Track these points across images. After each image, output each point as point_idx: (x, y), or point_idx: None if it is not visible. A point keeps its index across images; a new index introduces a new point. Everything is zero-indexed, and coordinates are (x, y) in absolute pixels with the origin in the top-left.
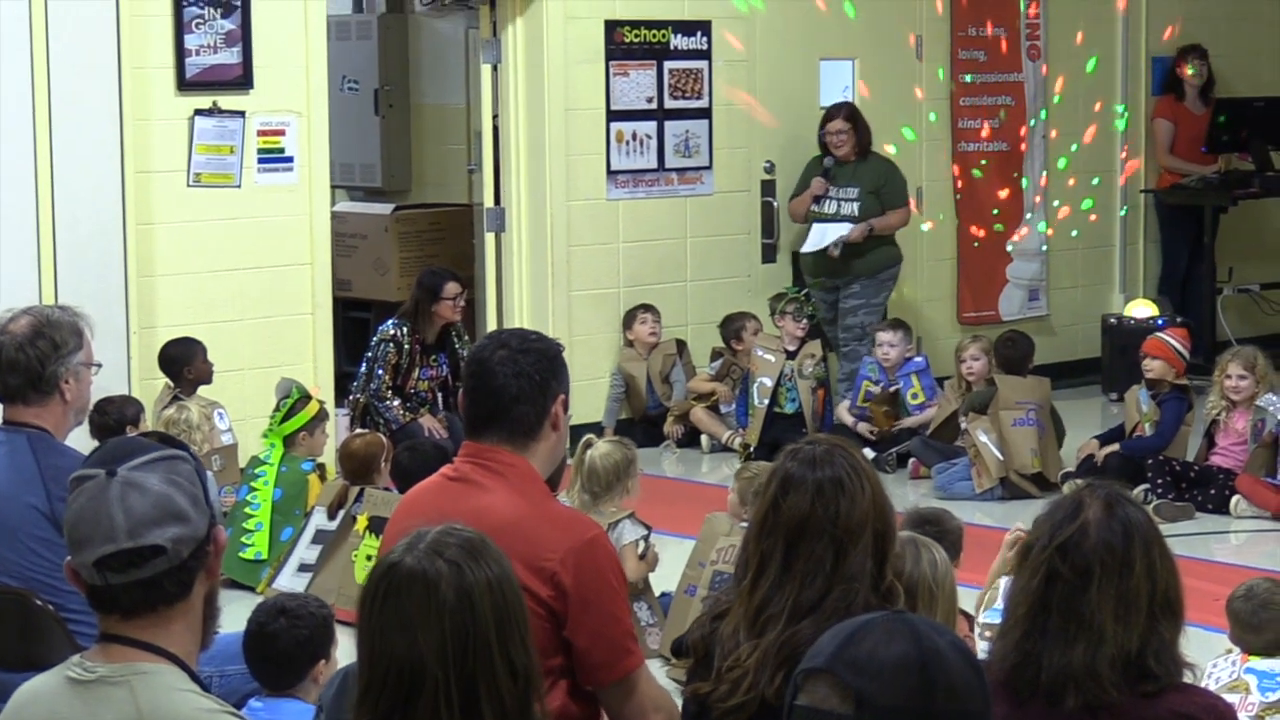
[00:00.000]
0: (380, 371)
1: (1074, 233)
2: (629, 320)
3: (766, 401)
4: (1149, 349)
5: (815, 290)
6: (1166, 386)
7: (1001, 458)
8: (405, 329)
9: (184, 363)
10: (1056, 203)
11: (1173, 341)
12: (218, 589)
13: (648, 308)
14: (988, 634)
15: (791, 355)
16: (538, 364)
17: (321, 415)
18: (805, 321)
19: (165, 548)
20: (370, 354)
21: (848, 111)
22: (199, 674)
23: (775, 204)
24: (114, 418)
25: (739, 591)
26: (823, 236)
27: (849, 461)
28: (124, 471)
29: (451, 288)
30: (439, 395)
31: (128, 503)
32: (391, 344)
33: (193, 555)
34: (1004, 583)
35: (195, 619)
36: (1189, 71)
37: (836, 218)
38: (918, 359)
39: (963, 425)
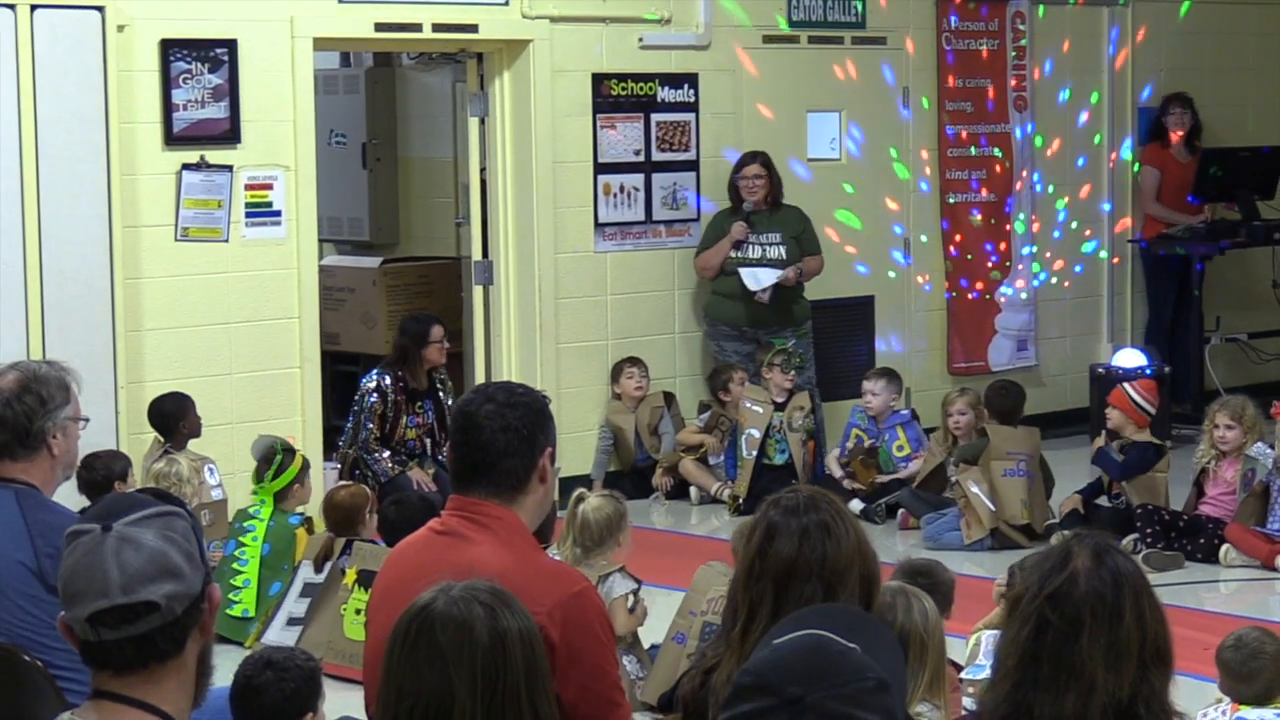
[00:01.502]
0: (368, 424)
1: (1063, 283)
2: (615, 374)
3: (755, 453)
4: (1111, 400)
5: (727, 340)
6: (1128, 439)
7: (993, 508)
8: (388, 378)
9: (179, 417)
10: (1046, 254)
11: (1134, 395)
12: (211, 646)
13: (634, 361)
14: (970, 690)
15: (780, 407)
16: (525, 418)
17: (305, 466)
18: (793, 374)
19: (159, 604)
20: (355, 408)
21: (764, 159)
22: None
23: None
24: (101, 473)
25: (729, 641)
26: (757, 279)
27: (832, 507)
28: (119, 527)
29: (437, 331)
30: (428, 443)
31: (123, 558)
32: (375, 395)
33: (186, 612)
34: (986, 637)
35: (188, 676)
36: (1175, 122)
37: (762, 262)
38: (903, 411)
39: (952, 476)
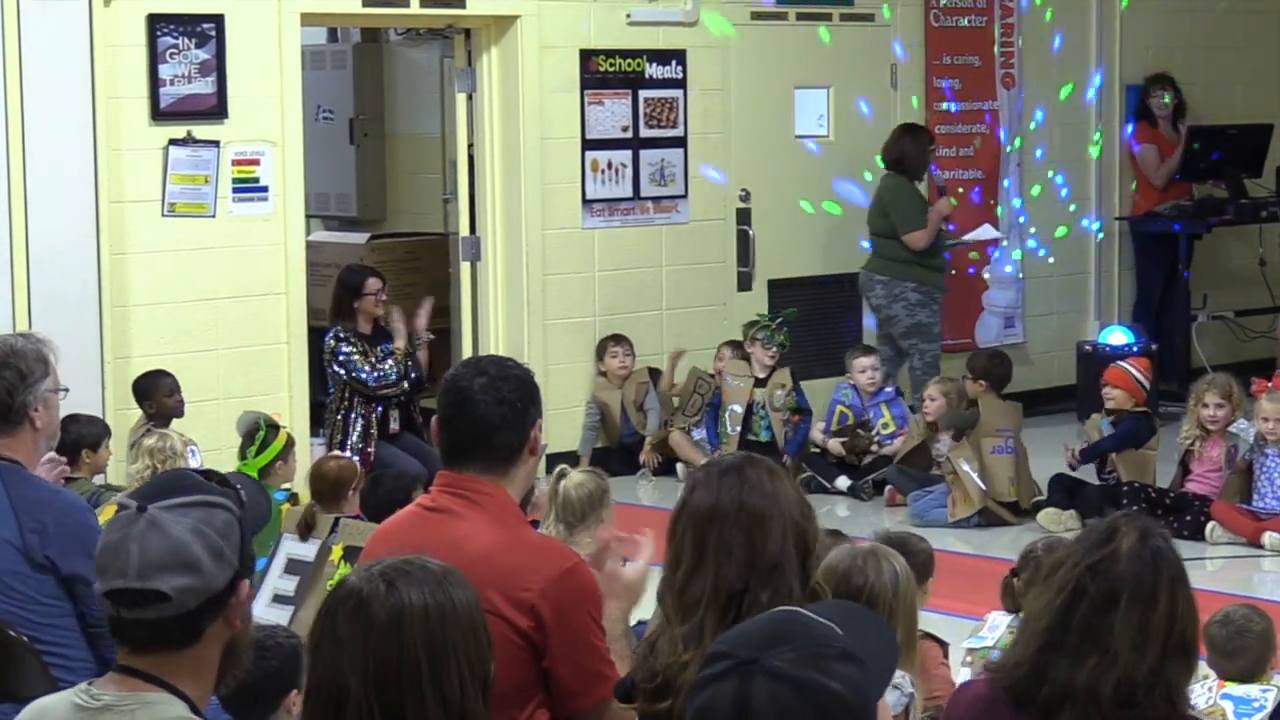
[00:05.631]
0: (359, 368)
1: (1050, 260)
2: (600, 352)
3: (739, 429)
4: (1110, 378)
5: (936, 304)
6: (1126, 415)
7: (984, 487)
8: (341, 331)
9: (145, 397)
10: (1032, 230)
11: (1133, 371)
12: (244, 639)
13: (618, 339)
14: (969, 659)
15: (761, 383)
16: (518, 390)
17: (290, 442)
18: (775, 350)
19: (170, 595)
20: (337, 369)
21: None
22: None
23: (751, 232)
24: (71, 436)
25: (660, 594)
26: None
27: (759, 465)
28: (154, 510)
29: (372, 283)
30: (408, 365)
31: (145, 543)
32: (345, 344)
33: (203, 606)
34: (993, 616)
35: (206, 666)
36: (1163, 100)
37: (950, 236)
38: (888, 389)
39: (936, 449)
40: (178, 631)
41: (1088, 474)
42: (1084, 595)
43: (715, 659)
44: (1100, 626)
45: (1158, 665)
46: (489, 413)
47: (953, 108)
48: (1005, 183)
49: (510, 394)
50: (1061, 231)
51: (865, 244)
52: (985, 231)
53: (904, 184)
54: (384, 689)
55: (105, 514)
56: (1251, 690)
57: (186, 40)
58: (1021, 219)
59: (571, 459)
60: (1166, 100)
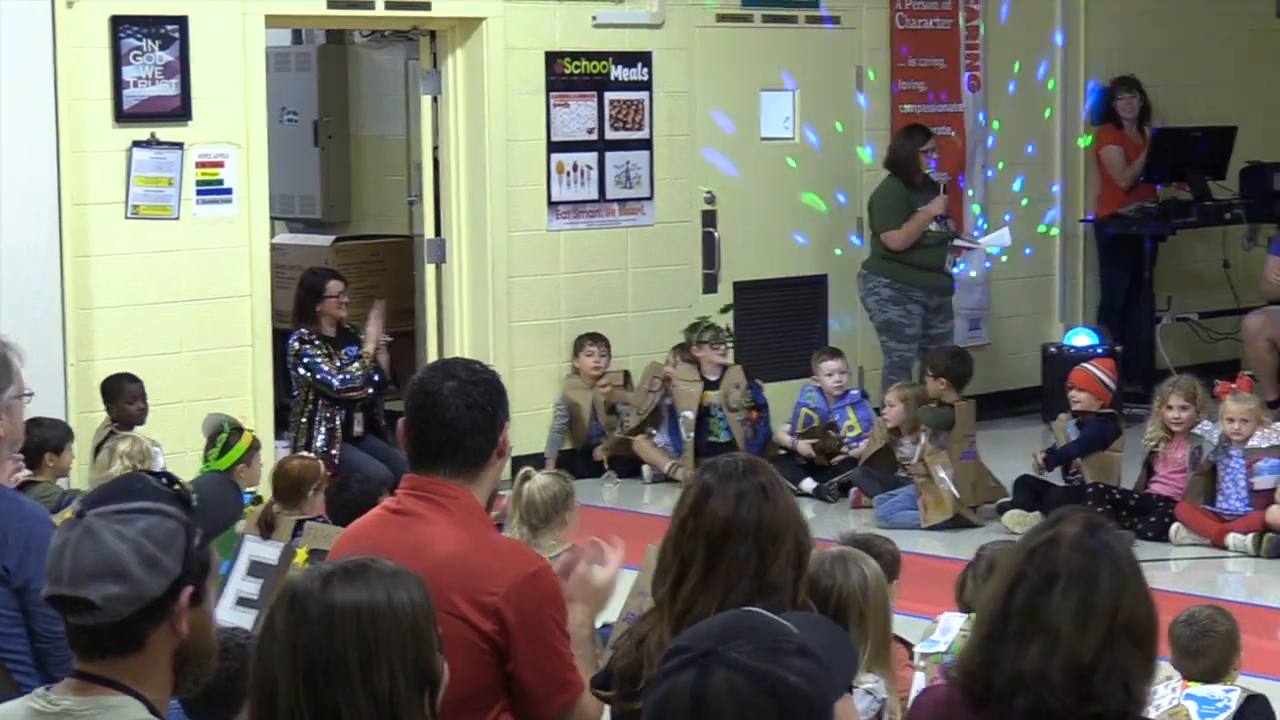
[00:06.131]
0: (324, 371)
1: (1015, 261)
2: (576, 349)
3: (693, 434)
4: (1075, 380)
5: (913, 304)
6: (1092, 416)
7: (959, 495)
8: (305, 332)
9: (108, 400)
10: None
11: (1098, 373)
12: (200, 644)
13: (596, 339)
14: (922, 664)
15: (712, 385)
16: (487, 394)
17: (255, 445)
18: (724, 349)
19: (98, 604)
20: (302, 371)
21: (929, 132)
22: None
23: (716, 234)
24: (34, 440)
25: (659, 598)
26: (1000, 237)
27: (768, 473)
28: (90, 517)
29: (334, 286)
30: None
31: (79, 550)
32: (309, 347)
33: (141, 614)
34: (945, 617)
35: (157, 671)
36: (1125, 103)
37: (945, 236)
38: (854, 391)
39: (900, 453)
40: (115, 639)
41: (1053, 475)
42: (1024, 579)
43: (674, 653)
44: (1040, 608)
45: (1104, 649)
46: (459, 416)
47: (918, 110)
48: (969, 184)
49: (480, 397)
50: (1026, 233)
51: (856, 239)
52: (1001, 237)
53: (892, 184)
54: (312, 685)
55: (64, 518)
56: (1215, 691)
57: (150, 42)
58: (985, 221)
59: (536, 461)
60: (1130, 101)
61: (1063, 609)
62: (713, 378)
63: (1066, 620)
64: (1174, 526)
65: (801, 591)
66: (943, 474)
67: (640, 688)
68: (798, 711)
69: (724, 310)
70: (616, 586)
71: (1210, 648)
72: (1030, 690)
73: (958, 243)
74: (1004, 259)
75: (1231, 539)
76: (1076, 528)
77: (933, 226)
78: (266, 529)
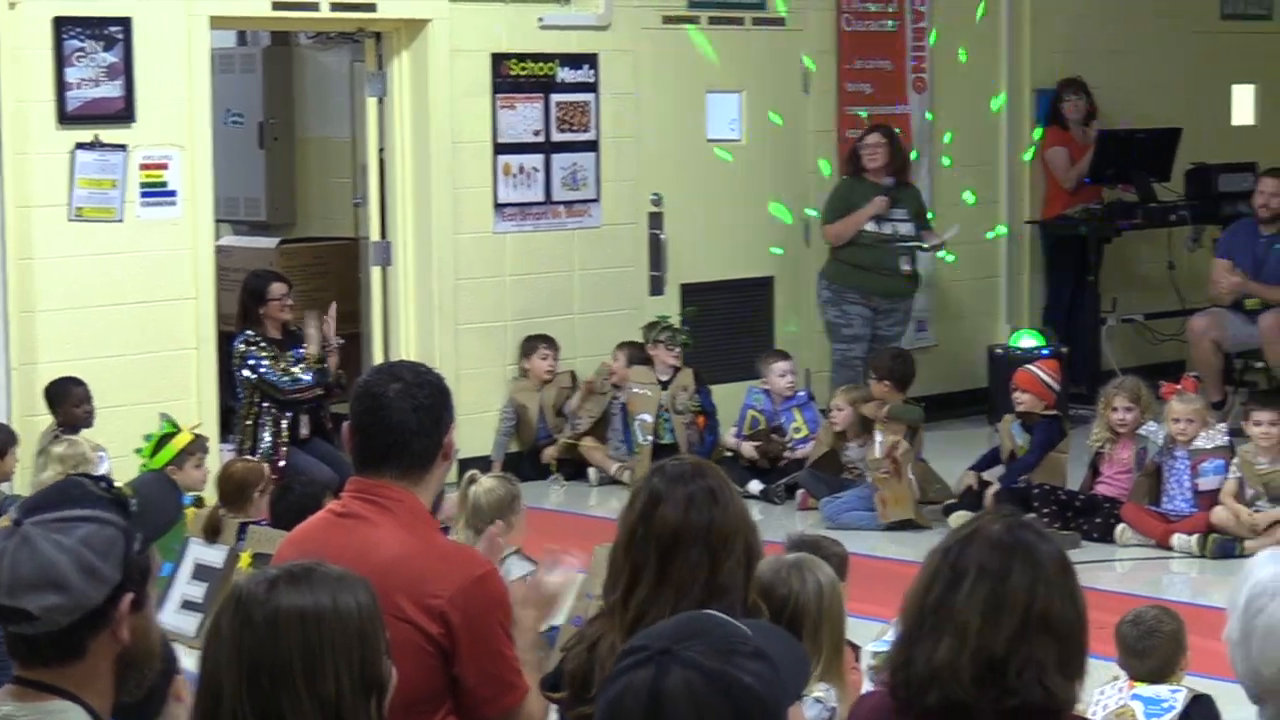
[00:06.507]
0: (271, 374)
1: (960, 263)
2: (527, 351)
3: (651, 438)
4: (1019, 382)
5: (850, 305)
6: (1037, 417)
7: (918, 495)
8: (251, 335)
9: (55, 404)
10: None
11: (1041, 374)
12: (142, 649)
13: (548, 342)
14: (873, 662)
15: (665, 385)
16: (433, 396)
17: (192, 448)
18: (678, 350)
19: (35, 614)
20: (246, 373)
21: (885, 130)
22: None
23: (663, 236)
24: None
25: (610, 604)
26: (919, 258)
27: (717, 476)
28: (28, 526)
29: (277, 288)
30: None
31: (16, 560)
32: (254, 349)
33: (80, 623)
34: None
35: (99, 678)
36: (1073, 104)
37: (894, 239)
38: (801, 393)
39: (846, 456)
40: (54, 648)
41: (992, 475)
42: (939, 576)
43: (629, 653)
44: (951, 602)
45: (1017, 642)
46: (405, 419)
47: (864, 112)
48: (917, 186)
49: (426, 399)
50: (972, 235)
51: (803, 240)
52: (949, 230)
53: (842, 181)
54: (257, 689)
55: (2, 525)
56: (1161, 691)
57: (94, 43)
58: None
59: (482, 464)
60: (1077, 103)
61: (972, 602)
62: (664, 378)
63: (976, 613)
64: (1119, 527)
65: (752, 592)
66: (911, 475)
67: (593, 694)
68: (752, 712)
69: (686, 311)
70: (568, 595)
71: (1156, 648)
72: (942, 684)
73: (911, 244)
74: (950, 259)
75: (1176, 540)
76: (996, 525)
77: (869, 227)
78: (212, 533)
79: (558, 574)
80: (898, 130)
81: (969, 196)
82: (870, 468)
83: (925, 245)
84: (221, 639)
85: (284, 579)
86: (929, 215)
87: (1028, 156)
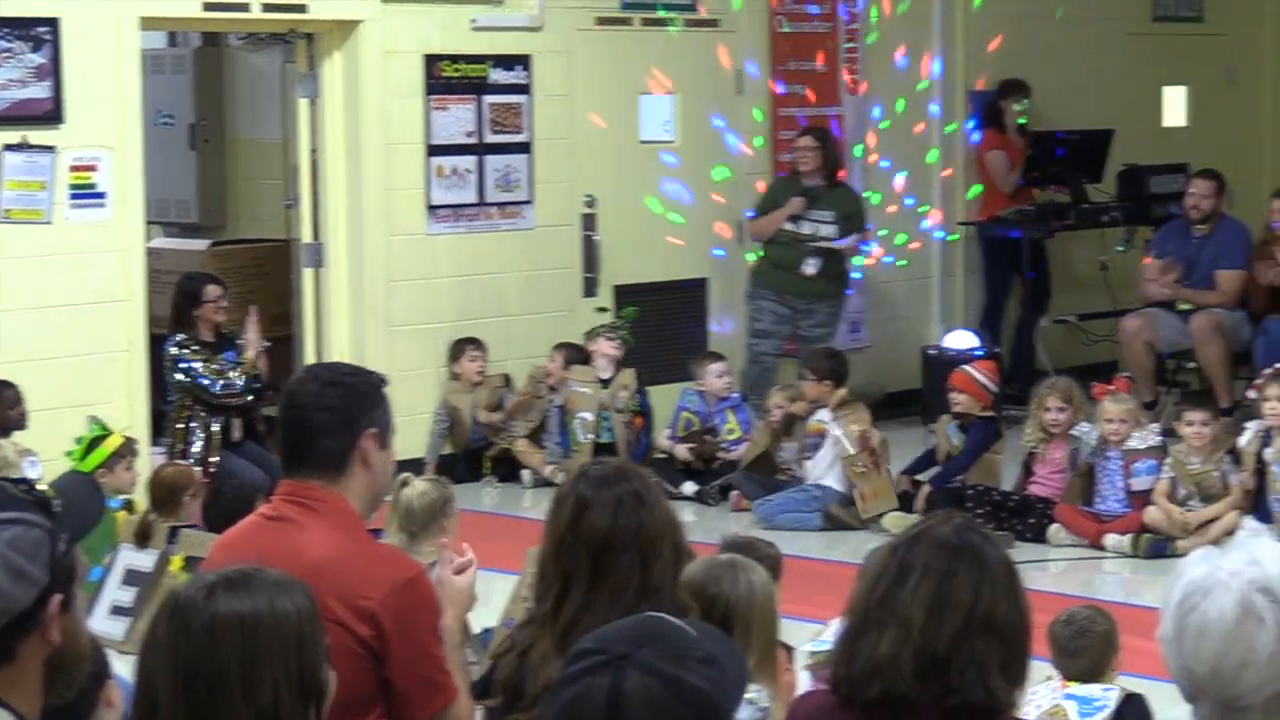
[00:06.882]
0: (202, 376)
1: (895, 264)
2: (456, 354)
3: (591, 436)
4: (955, 382)
5: (766, 301)
6: (973, 418)
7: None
8: (183, 338)
9: None
10: (877, 235)
11: (978, 375)
12: (71, 652)
13: (476, 344)
14: (810, 662)
15: (605, 384)
16: (345, 397)
17: (122, 451)
18: (618, 341)
19: None
20: (179, 376)
21: (818, 133)
22: None
23: (597, 238)
24: None
25: (542, 613)
26: (812, 264)
27: (641, 478)
28: None
29: (212, 290)
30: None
31: None
32: (186, 352)
33: (9, 627)
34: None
35: (27, 682)
36: (1015, 108)
37: (814, 239)
38: (734, 394)
39: (782, 454)
40: None
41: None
42: (885, 574)
43: (583, 655)
44: (895, 597)
45: (960, 639)
46: (309, 418)
47: (798, 113)
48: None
49: (336, 400)
50: (905, 237)
51: (737, 242)
52: (849, 238)
53: (776, 180)
54: (194, 696)
55: None
56: (1094, 690)
57: (21, 43)
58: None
59: (417, 466)
60: (1018, 108)
61: (916, 599)
62: (605, 376)
63: (920, 609)
64: (1053, 527)
65: (680, 591)
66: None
67: (525, 702)
68: (706, 716)
69: (626, 311)
70: (475, 590)
71: (1088, 648)
72: (883, 677)
73: (820, 244)
74: (901, 264)
75: (1109, 540)
76: (944, 526)
77: (788, 226)
78: (143, 539)
79: (455, 569)
80: (832, 131)
81: (904, 198)
82: (847, 464)
83: (835, 246)
84: (158, 645)
85: (222, 584)
86: (863, 215)
87: (931, 159)
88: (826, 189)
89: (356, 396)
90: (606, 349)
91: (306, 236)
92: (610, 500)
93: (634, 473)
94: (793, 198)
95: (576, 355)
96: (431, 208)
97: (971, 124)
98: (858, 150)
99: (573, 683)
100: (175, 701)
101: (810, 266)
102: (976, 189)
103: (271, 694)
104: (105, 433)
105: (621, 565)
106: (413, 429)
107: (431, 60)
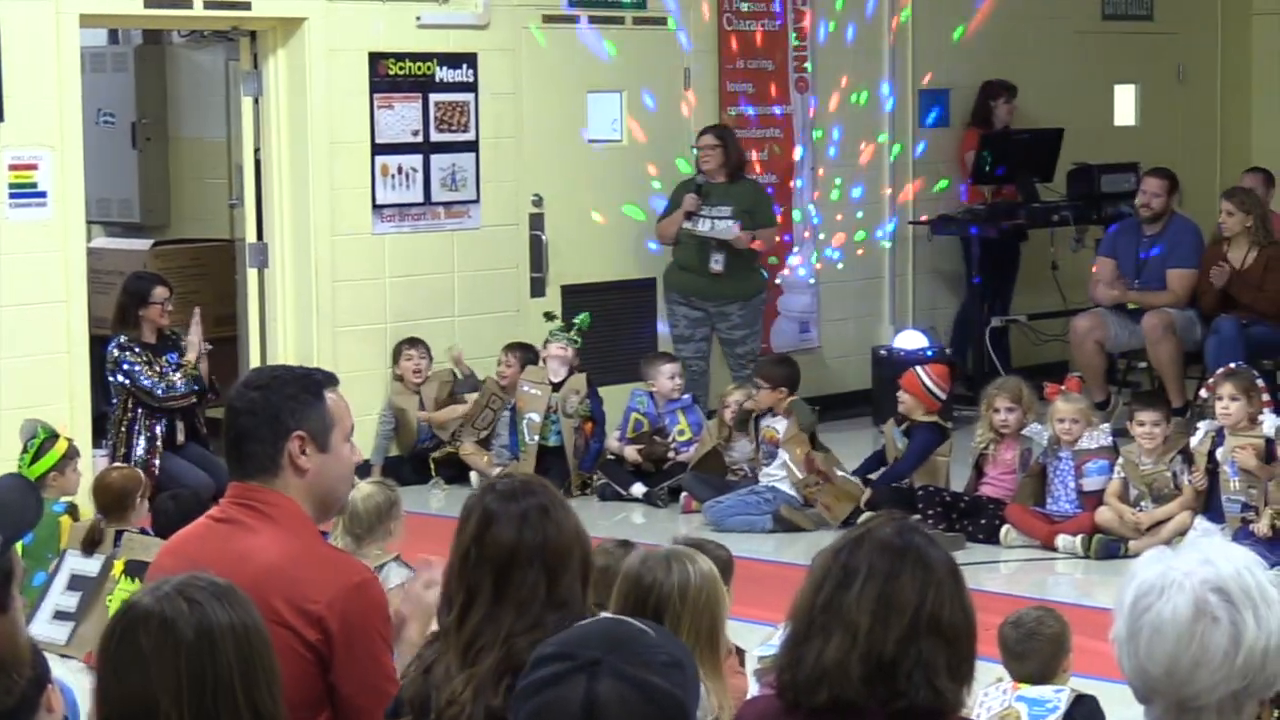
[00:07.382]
0: (144, 379)
1: (845, 265)
2: (395, 355)
3: (538, 438)
4: (903, 383)
5: (678, 306)
6: (916, 421)
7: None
8: (124, 339)
9: None
10: (824, 235)
11: (927, 380)
12: (9, 653)
13: (413, 342)
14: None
15: (556, 387)
16: (268, 400)
17: (70, 453)
18: (567, 343)
19: None
20: (120, 378)
21: (719, 130)
22: None
23: (544, 237)
24: None
25: (444, 627)
26: (717, 260)
27: (548, 492)
28: None
29: (160, 292)
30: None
31: None
32: (128, 354)
33: None
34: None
35: None
36: (1003, 107)
37: (712, 233)
38: (684, 396)
39: (732, 454)
40: None
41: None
42: (829, 577)
43: (551, 660)
44: (841, 601)
45: (906, 643)
46: (236, 421)
47: (748, 111)
48: (799, 186)
49: (261, 404)
50: (856, 236)
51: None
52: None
53: (680, 181)
54: (200, 706)
55: None
56: (1045, 692)
57: None
58: (816, 222)
59: (362, 468)
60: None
61: (862, 602)
62: (557, 379)
63: (866, 614)
64: (1004, 528)
65: (589, 600)
66: (840, 472)
67: (432, 718)
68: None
69: (581, 319)
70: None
71: (1036, 650)
72: (831, 684)
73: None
74: (840, 265)
75: (1061, 540)
76: (886, 530)
77: (686, 224)
78: (91, 545)
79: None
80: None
81: (853, 194)
82: (799, 488)
83: (719, 236)
84: (147, 661)
85: (196, 594)
86: (768, 210)
87: (893, 156)
88: (725, 184)
89: (282, 399)
90: (555, 351)
91: (251, 236)
92: (516, 514)
93: (541, 487)
94: (685, 195)
95: (529, 355)
96: (377, 207)
97: (933, 118)
98: (799, 152)
99: (541, 690)
100: (179, 714)
101: (717, 263)
102: (944, 183)
103: (268, 698)
104: (50, 436)
105: (527, 579)
106: (359, 430)
107: (376, 58)
